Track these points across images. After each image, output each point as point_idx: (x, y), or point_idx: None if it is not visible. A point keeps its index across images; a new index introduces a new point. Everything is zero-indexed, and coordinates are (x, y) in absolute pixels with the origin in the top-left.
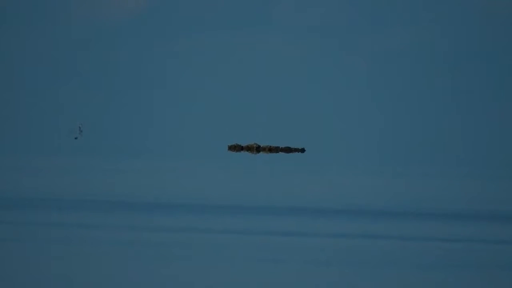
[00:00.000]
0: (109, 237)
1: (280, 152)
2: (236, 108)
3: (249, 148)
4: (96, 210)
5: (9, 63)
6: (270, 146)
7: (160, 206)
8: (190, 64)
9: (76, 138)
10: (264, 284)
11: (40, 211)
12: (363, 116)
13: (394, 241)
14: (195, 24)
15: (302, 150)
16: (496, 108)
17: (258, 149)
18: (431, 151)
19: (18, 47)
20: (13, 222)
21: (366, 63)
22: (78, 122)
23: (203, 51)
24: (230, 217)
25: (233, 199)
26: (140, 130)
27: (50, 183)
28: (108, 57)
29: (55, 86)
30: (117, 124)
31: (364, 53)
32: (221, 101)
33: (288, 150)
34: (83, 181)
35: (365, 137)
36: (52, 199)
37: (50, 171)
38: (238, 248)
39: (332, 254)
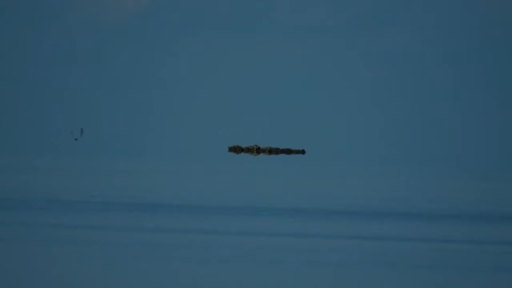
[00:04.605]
0: (109, 238)
1: (280, 154)
2: (236, 109)
3: (249, 150)
4: (96, 211)
5: (9, 63)
6: (270, 148)
7: (160, 208)
8: (190, 64)
9: (76, 139)
10: (264, 285)
11: (39, 212)
12: (363, 117)
13: (394, 243)
14: (195, 25)
15: (303, 152)
16: (496, 109)
17: (258, 150)
18: (431, 152)
19: (18, 47)
20: (13, 223)
21: (367, 64)
22: (80, 127)
23: (203, 52)
24: (230, 218)
25: (233, 200)
26: (140, 131)
27: (49, 183)
28: (108, 57)
29: (54, 86)
30: (117, 125)
31: (365, 54)
32: (221, 102)
33: (288, 151)
34: (82, 182)
35: (365, 138)
36: (51, 200)
37: (49, 172)
38: (238, 249)
39: (332, 256)
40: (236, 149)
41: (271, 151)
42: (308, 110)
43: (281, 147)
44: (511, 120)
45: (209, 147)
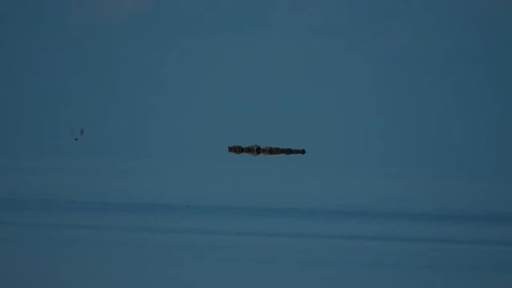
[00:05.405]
0: (109, 238)
1: (280, 154)
2: (236, 109)
3: (249, 150)
4: (96, 211)
5: (9, 63)
6: (271, 148)
7: (160, 208)
8: (190, 64)
9: (76, 139)
10: (264, 285)
11: (39, 212)
12: (363, 117)
13: (394, 243)
14: (195, 25)
15: (303, 152)
16: (496, 109)
17: (258, 150)
18: (431, 152)
19: (18, 47)
20: (13, 223)
21: (367, 64)
22: (81, 127)
23: (203, 52)
24: (230, 218)
25: (233, 200)
26: (140, 131)
27: (49, 183)
28: (108, 57)
29: (54, 86)
30: (117, 125)
31: (365, 54)
32: (221, 102)
33: (288, 151)
34: (82, 182)
35: (365, 138)
36: (51, 200)
37: (49, 172)
38: (238, 249)
39: (332, 256)
40: (236, 149)
41: (271, 151)
42: (308, 110)
43: (281, 147)
44: (511, 120)
45: (209, 147)
